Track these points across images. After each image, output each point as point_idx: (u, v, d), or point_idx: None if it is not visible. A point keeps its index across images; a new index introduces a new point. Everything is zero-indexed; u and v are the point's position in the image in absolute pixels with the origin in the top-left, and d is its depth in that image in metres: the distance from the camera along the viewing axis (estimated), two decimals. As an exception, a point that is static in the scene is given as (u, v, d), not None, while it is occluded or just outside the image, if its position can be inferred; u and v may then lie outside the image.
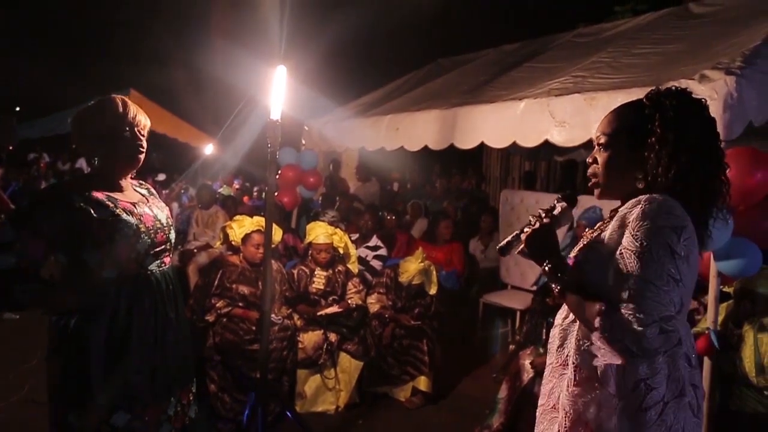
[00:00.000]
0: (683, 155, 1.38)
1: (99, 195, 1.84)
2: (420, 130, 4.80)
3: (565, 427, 1.44)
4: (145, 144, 1.96)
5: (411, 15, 11.57)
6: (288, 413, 3.41)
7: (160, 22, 15.11)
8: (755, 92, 2.87)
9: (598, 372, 1.38)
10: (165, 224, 2.00)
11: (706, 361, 2.94)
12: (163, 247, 1.97)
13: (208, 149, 11.01)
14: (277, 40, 2.85)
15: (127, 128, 1.90)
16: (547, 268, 1.47)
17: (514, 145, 4.09)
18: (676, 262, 1.29)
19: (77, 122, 1.92)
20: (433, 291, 4.46)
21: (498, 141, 4.14)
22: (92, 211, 1.77)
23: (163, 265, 1.97)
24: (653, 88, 1.51)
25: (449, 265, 5.44)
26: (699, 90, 2.90)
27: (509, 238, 1.60)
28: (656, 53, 4.08)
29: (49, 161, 13.53)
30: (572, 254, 1.56)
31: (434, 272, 4.50)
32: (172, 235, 2.04)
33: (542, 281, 4.46)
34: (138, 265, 1.87)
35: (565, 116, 3.62)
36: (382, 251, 5.43)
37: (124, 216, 1.84)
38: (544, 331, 3.99)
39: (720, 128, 2.74)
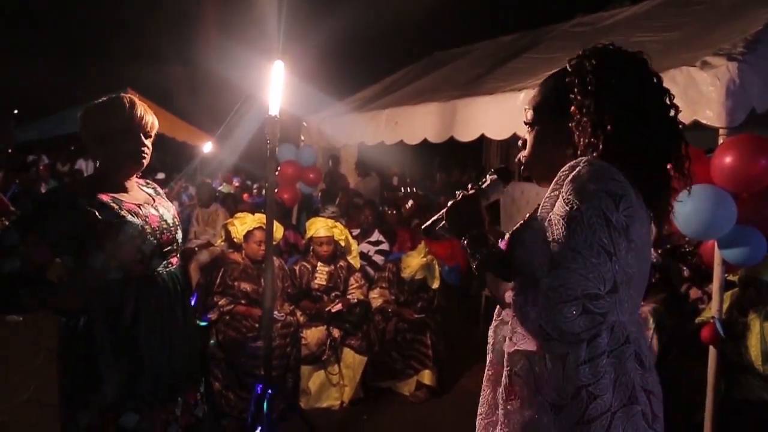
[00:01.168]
0: (608, 121, 1.17)
1: (104, 197, 1.83)
2: (419, 123, 4.78)
3: None
4: (149, 146, 1.94)
5: (406, 8, 11.53)
6: (293, 409, 3.41)
7: (157, 21, 15.08)
8: (758, 78, 2.84)
9: (535, 377, 1.18)
10: (171, 224, 1.98)
11: (712, 350, 2.92)
12: (169, 247, 1.95)
13: (207, 147, 10.98)
14: (274, 35, 2.83)
15: (135, 128, 1.88)
16: (465, 242, 1.31)
17: (514, 136, 4.07)
18: (610, 232, 1.08)
19: (85, 120, 1.90)
20: (435, 285, 4.45)
21: (498, 133, 4.12)
22: (97, 214, 1.76)
23: (170, 265, 1.95)
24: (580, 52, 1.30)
25: (452, 260, 5.42)
26: (701, 77, 2.88)
27: (435, 216, 1.47)
28: (656, 41, 4.05)
29: (48, 163, 13.49)
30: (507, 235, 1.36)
31: (437, 267, 4.49)
32: (179, 235, 2.02)
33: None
34: (144, 266, 1.86)
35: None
36: (384, 246, 5.42)
37: (129, 218, 1.82)
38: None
39: (722, 115, 2.76)
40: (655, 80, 1.25)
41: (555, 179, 1.19)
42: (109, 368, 1.77)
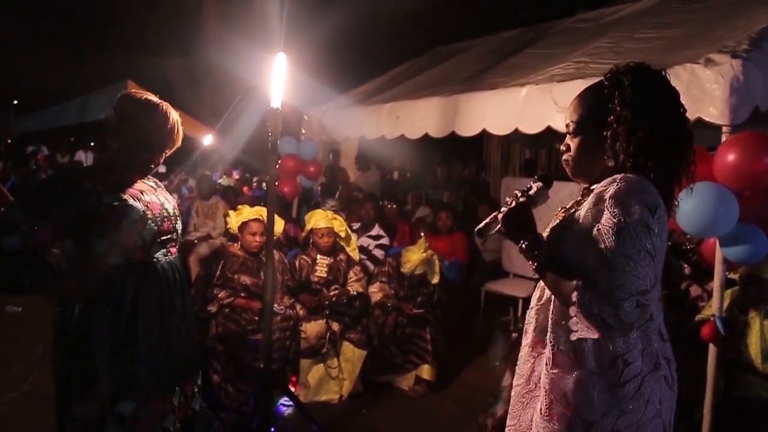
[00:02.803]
0: (641, 130, 1.41)
1: (108, 182, 1.84)
2: (421, 117, 4.77)
3: (546, 406, 1.48)
4: (159, 162, 1.98)
5: (409, 2, 11.48)
6: (292, 402, 3.41)
7: (157, 13, 15.00)
8: (762, 76, 2.83)
9: (576, 350, 1.43)
10: (172, 214, 1.99)
11: (712, 348, 2.92)
12: (169, 236, 1.96)
13: (207, 140, 10.95)
14: (276, 27, 2.81)
15: (161, 145, 1.92)
16: (524, 246, 1.49)
17: (515, 132, 4.06)
18: (651, 238, 1.32)
19: (123, 112, 1.89)
20: (435, 280, 4.45)
21: (500, 128, 4.11)
22: (101, 197, 1.76)
23: (169, 254, 1.95)
24: (612, 66, 1.54)
25: (452, 255, 5.42)
26: (705, 74, 2.87)
27: (487, 219, 1.62)
28: (659, 37, 4.04)
29: (48, 154, 13.46)
30: (545, 234, 1.58)
31: (437, 262, 4.49)
32: (179, 226, 2.03)
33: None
34: (144, 252, 1.86)
35: (568, 102, 3.57)
36: (384, 240, 5.41)
37: (132, 201, 1.83)
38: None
39: (726, 113, 2.76)
40: (675, 96, 1.48)
41: (595, 192, 1.43)
42: (107, 356, 1.77)
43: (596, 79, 3.79)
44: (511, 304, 5.41)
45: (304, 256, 4.30)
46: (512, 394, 1.65)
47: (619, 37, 4.31)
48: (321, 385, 3.96)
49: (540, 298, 1.59)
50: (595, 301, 1.30)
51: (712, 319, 2.88)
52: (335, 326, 4.00)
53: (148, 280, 1.85)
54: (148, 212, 1.86)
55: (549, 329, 1.50)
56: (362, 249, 5.07)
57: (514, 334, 4.63)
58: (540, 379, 1.53)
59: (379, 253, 5.23)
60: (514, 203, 1.56)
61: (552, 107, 3.65)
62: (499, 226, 1.57)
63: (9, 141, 13.63)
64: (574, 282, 1.35)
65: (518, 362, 1.65)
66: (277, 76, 2.66)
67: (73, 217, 1.74)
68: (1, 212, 1.80)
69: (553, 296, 1.51)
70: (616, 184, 1.38)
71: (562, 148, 1.60)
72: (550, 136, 5.75)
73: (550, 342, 1.49)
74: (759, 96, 2.84)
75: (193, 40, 13.96)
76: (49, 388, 1.90)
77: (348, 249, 4.45)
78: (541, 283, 1.59)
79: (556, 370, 1.46)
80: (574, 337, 1.42)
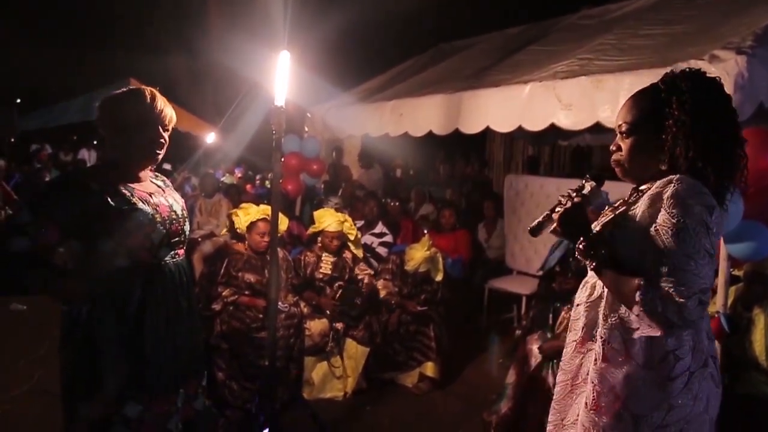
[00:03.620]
0: (700, 135, 1.44)
1: (116, 183, 1.83)
2: (424, 115, 4.76)
3: (593, 399, 1.50)
4: (166, 142, 1.95)
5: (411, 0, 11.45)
6: (296, 400, 3.42)
7: (160, 10, 15.00)
8: (766, 72, 2.82)
9: (627, 345, 1.46)
10: (180, 216, 1.98)
11: (715, 345, 2.92)
12: (177, 238, 1.95)
13: (210, 138, 10.96)
14: (280, 25, 2.81)
15: (153, 120, 1.89)
16: (581, 246, 1.52)
17: (519, 129, 4.05)
18: (710, 238, 1.36)
19: (104, 109, 1.91)
20: (439, 278, 4.45)
21: (503, 125, 4.10)
22: (109, 199, 1.76)
23: (177, 256, 1.95)
24: (668, 71, 1.56)
25: (455, 253, 5.43)
26: (709, 71, 2.84)
27: (540, 218, 1.64)
28: (663, 34, 4.03)
29: (51, 152, 13.49)
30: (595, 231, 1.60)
31: (440, 259, 4.49)
32: (187, 227, 2.02)
33: (548, 266, 4.44)
34: (152, 255, 1.86)
35: (571, 99, 3.58)
36: (388, 238, 5.41)
37: (140, 205, 1.82)
38: (551, 315, 3.98)
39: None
40: (730, 102, 1.52)
41: (650, 192, 1.45)
42: (113, 358, 1.77)
43: (600, 77, 3.81)
44: (514, 301, 5.41)
45: (309, 253, 4.31)
46: (556, 389, 1.68)
47: (624, 34, 4.30)
48: (325, 382, 3.96)
49: (590, 296, 1.61)
50: (658, 300, 1.33)
51: (716, 316, 2.87)
52: (339, 324, 4.01)
53: (155, 282, 1.85)
54: (156, 215, 1.86)
55: (600, 325, 1.53)
56: (366, 247, 5.07)
57: (518, 332, 4.63)
58: (587, 374, 1.56)
59: (382, 251, 5.24)
60: (569, 203, 1.58)
61: (555, 104, 3.65)
62: (554, 225, 1.59)
63: (12, 139, 13.65)
64: (637, 281, 1.38)
65: (563, 358, 1.68)
66: (281, 74, 2.65)
67: (80, 219, 1.73)
68: (9, 214, 1.80)
69: (604, 293, 1.54)
70: (673, 185, 1.40)
71: (612, 148, 1.62)
72: (554, 133, 5.75)
73: (601, 337, 1.52)
74: (763, 93, 2.83)
75: (195, 38, 13.96)
76: (53, 386, 1.90)
77: (353, 248, 4.46)
78: (591, 281, 1.62)
79: (604, 364, 1.49)
80: (636, 335, 1.44)
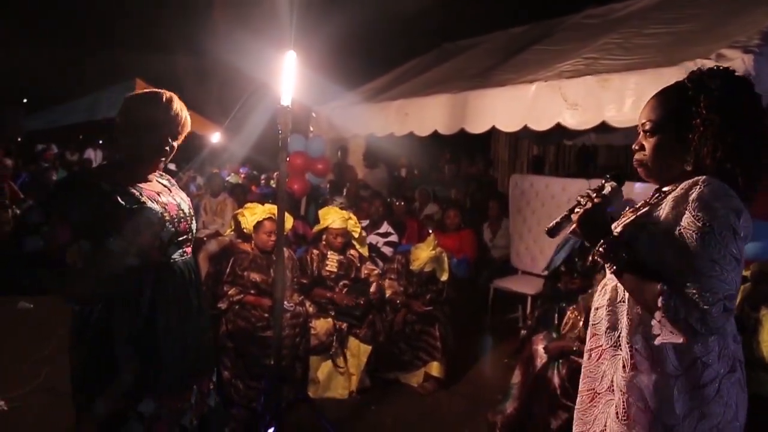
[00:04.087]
0: (729, 136, 1.39)
1: (125, 183, 1.85)
2: (430, 114, 4.77)
3: (624, 410, 1.45)
4: (173, 148, 1.97)
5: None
6: (302, 399, 3.43)
7: (166, 10, 15.03)
8: (773, 71, 2.81)
9: (654, 352, 1.40)
10: (187, 214, 2.00)
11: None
12: (185, 236, 1.97)
13: (215, 138, 10.99)
14: (286, 25, 2.81)
15: (168, 123, 1.91)
16: (602, 249, 1.46)
17: (524, 129, 4.05)
18: (737, 243, 1.32)
19: (126, 106, 1.92)
20: (444, 277, 4.45)
21: (509, 125, 4.11)
22: (119, 199, 1.77)
23: (185, 254, 1.97)
24: (694, 69, 1.51)
25: (460, 252, 5.43)
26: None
27: (558, 219, 1.59)
28: (669, 33, 4.02)
29: (57, 152, 13.56)
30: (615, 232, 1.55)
31: (446, 259, 4.49)
32: (194, 225, 2.05)
33: (553, 266, 4.44)
34: (161, 253, 1.87)
35: (577, 99, 3.58)
36: (393, 238, 5.42)
37: (149, 204, 1.84)
38: (556, 315, 3.97)
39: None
40: (760, 102, 1.47)
41: (675, 194, 1.41)
42: (127, 356, 1.78)
43: (606, 76, 3.80)
44: (519, 301, 5.41)
45: (314, 250, 4.33)
46: (579, 398, 1.62)
47: (628, 33, 4.30)
48: (330, 380, 3.97)
49: (613, 299, 1.54)
50: (681, 306, 1.28)
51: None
52: (343, 324, 4.02)
53: (165, 280, 1.87)
54: (165, 214, 1.87)
55: (625, 330, 1.47)
56: (371, 246, 5.07)
57: (523, 332, 4.63)
58: (613, 381, 1.50)
59: (387, 251, 5.24)
60: (589, 204, 1.53)
61: (561, 104, 3.65)
62: (573, 226, 1.55)
63: (19, 139, 13.73)
64: (659, 286, 1.33)
65: (587, 365, 1.61)
66: (287, 74, 2.66)
67: (91, 218, 1.75)
68: (21, 214, 1.82)
69: (626, 296, 1.48)
70: (699, 186, 1.36)
71: (635, 147, 1.56)
72: (559, 132, 5.74)
73: (627, 344, 1.46)
74: (770, 91, 2.82)
75: (202, 37, 13.98)
76: (61, 384, 1.91)
77: (359, 247, 4.47)
78: (612, 283, 1.56)
79: (633, 372, 1.44)
80: (657, 341, 1.39)
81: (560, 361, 3.14)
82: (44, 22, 16.64)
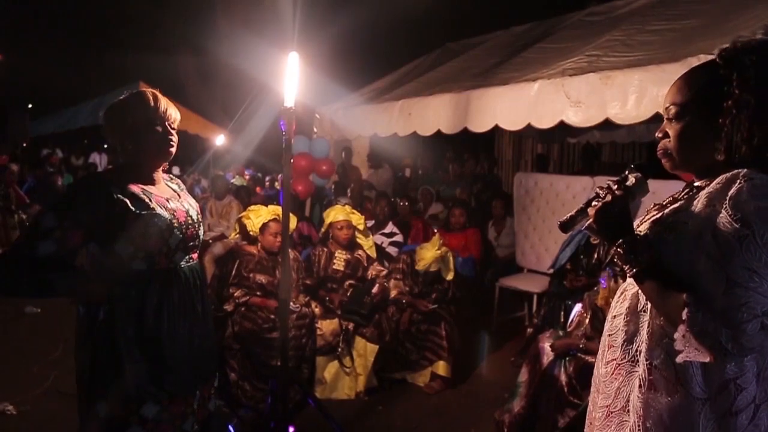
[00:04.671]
0: (767, 120, 1.17)
1: (135, 188, 1.85)
2: (433, 114, 4.77)
3: None
4: (175, 137, 1.97)
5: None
6: (309, 400, 3.43)
7: (169, 13, 15.10)
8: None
9: (677, 370, 1.21)
10: (195, 220, 2.01)
11: None
12: (193, 242, 1.98)
13: (219, 140, 11.03)
14: (289, 26, 2.83)
15: (158, 121, 1.91)
16: (621, 249, 1.28)
17: (528, 127, 4.05)
18: None
19: (109, 115, 1.93)
20: (449, 277, 4.45)
21: (512, 123, 4.10)
22: (129, 204, 1.78)
23: (191, 260, 1.98)
24: (727, 45, 1.25)
25: (465, 252, 5.43)
26: (719, 65, 2.84)
27: (573, 212, 1.41)
28: (672, 29, 4.01)
29: (62, 157, 13.62)
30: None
31: (451, 258, 4.49)
32: (201, 231, 2.05)
33: (559, 264, 4.43)
34: (168, 259, 1.88)
35: (580, 96, 3.58)
36: (398, 238, 5.42)
37: (159, 210, 1.85)
38: (562, 313, 3.97)
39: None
40: None
41: (709, 190, 1.20)
42: (132, 360, 1.79)
43: (609, 72, 3.78)
44: (525, 299, 5.40)
45: (321, 249, 4.34)
46: (589, 418, 1.44)
47: (631, 30, 4.29)
48: (337, 381, 3.98)
49: (632, 307, 1.35)
50: (710, 320, 1.10)
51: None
52: (349, 324, 4.03)
53: (171, 285, 1.87)
54: (174, 221, 1.88)
55: (645, 344, 1.28)
56: (376, 247, 5.08)
57: (530, 330, 4.63)
58: (628, 401, 1.31)
59: (392, 251, 5.25)
60: (609, 196, 1.33)
61: (564, 101, 3.65)
62: (589, 221, 1.36)
63: (24, 144, 13.80)
64: (685, 296, 1.14)
65: (597, 380, 1.43)
66: (290, 76, 2.67)
67: (101, 223, 1.76)
68: (33, 218, 1.83)
69: (648, 306, 1.30)
70: (738, 182, 1.15)
71: (658, 134, 1.35)
72: (562, 130, 5.72)
73: (646, 359, 1.26)
74: (775, 87, 2.81)
75: (205, 40, 14.04)
76: (69, 387, 1.92)
77: (365, 247, 4.48)
78: (633, 289, 1.36)
79: (651, 393, 1.25)
80: (680, 359, 1.17)
81: (567, 358, 3.14)
82: (49, 27, 16.72)
